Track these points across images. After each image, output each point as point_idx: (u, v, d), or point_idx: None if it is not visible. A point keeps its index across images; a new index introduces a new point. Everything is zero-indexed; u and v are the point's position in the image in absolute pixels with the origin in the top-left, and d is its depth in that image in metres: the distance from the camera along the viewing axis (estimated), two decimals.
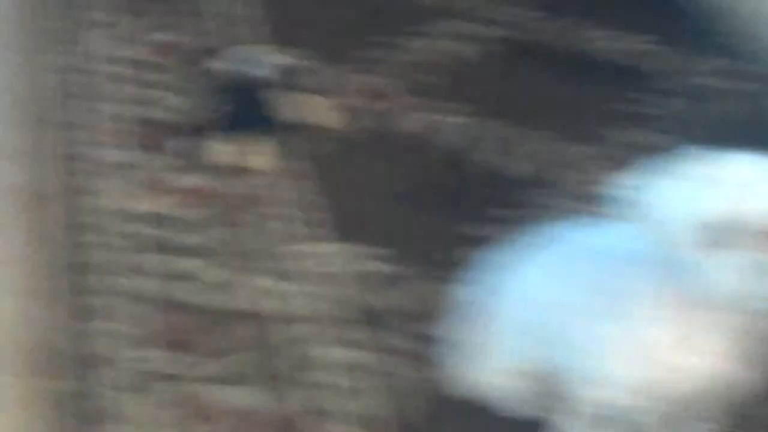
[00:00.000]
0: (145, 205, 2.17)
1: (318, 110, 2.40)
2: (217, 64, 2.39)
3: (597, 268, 1.54)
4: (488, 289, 1.71)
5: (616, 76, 2.60)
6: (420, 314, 1.91)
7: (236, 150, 2.27)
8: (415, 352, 1.84)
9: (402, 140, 2.39)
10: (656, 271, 1.46)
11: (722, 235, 1.33)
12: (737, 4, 2.72)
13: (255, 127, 2.29)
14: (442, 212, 2.18)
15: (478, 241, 1.99)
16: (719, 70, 2.59)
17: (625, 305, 1.49)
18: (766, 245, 1.33)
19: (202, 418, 1.73)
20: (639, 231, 1.42)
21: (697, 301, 1.42)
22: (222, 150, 2.28)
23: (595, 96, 2.52)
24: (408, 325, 1.90)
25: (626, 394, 1.54)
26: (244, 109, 2.31)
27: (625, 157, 2.27)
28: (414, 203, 2.21)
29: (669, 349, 1.47)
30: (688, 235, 1.36)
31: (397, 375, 1.81)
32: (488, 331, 1.70)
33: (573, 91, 2.54)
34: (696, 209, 1.35)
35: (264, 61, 2.37)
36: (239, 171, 2.26)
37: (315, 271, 2.02)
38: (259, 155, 2.27)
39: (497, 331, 1.68)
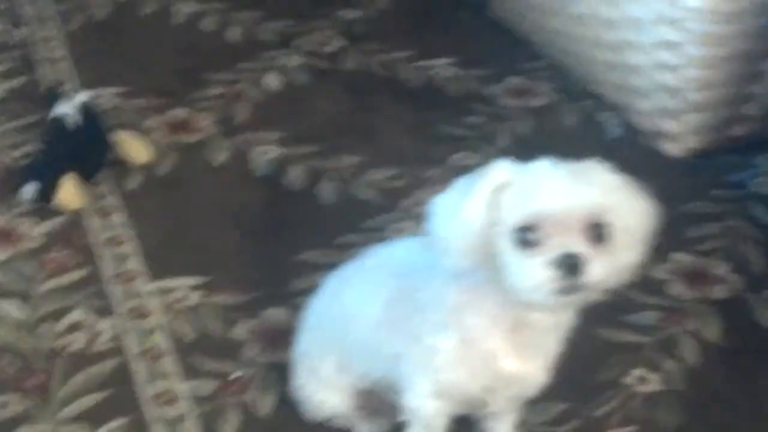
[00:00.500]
0: None
1: (129, 146, 2.37)
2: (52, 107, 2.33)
3: (401, 282, 1.57)
4: (312, 311, 1.75)
5: (421, 98, 2.67)
6: (266, 339, 1.93)
7: (47, 190, 2.22)
8: (261, 376, 1.86)
9: (215, 171, 2.40)
10: (456, 280, 1.49)
11: (530, 235, 1.37)
12: (532, 25, 2.84)
13: (65, 167, 2.25)
14: (265, 240, 2.20)
15: (309, 267, 2.02)
16: (515, 90, 2.70)
17: (429, 317, 1.52)
18: (572, 238, 1.37)
19: None
20: (432, 244, 1.44)
21: (510, 306, 1.46)
22: (31, 191, 2.23)
23: (404, 119, 2.59)
24: (246, 351, 1.91)
25: (453, 402, 1.59)
26: (54, 149, 2.27)
27: (441, 177, 2.36)
28: (233, 232, 2.22)
29: (496, 356, 1.50)
30: (478, 244, 1.39)
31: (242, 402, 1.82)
32: (313, 350, 1.73)
33: (382, 115, 2.61)
34: (502, 215, 1.38)
35: (74, 100, 2.33)
36: (50, 210, 2.22)
37: (141, 305, 2.01)
38: (70, 193, 2.23)
39: (320, 350, 1.71)
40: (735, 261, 2.16)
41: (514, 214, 1.37)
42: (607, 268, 1.39)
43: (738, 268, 2.15)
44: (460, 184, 1.44)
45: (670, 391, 1.87)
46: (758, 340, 1.99)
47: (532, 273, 1.37)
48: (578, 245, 1.36)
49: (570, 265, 1.36)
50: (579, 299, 1.41)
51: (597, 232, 1.38)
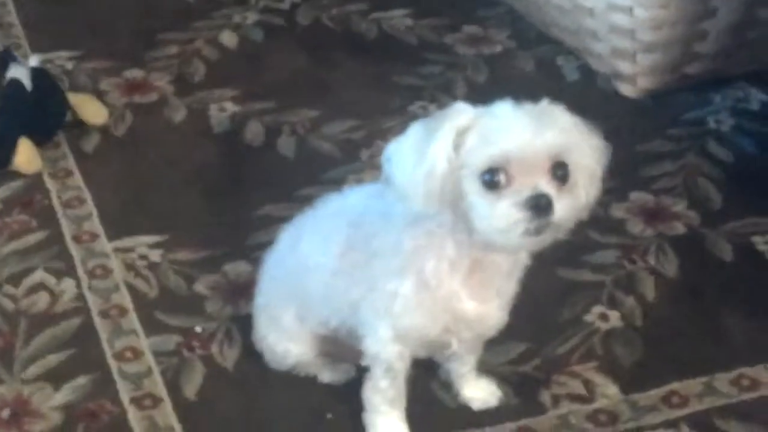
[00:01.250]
0: None
1: (85, 108, 2.36)
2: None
3: (356, 230, 1.57)
4: (270, 263, 1.75)
5: (377, 50, 2.67)
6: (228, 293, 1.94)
7: (4, 154, 2.21)
8: (224, 330, 1.87)
9: (173, 131, 2.40)
10: (412, 225, 1.49)
11: (497, 177, 1.37)
12: None
13: (21, 130, 2.24)
14: (225, 196, 2.20)
15: (269, 221, 2.02)
16: (472, 38, 2.70)
17: (386, 263, 1.52)
18: (537, 178, 1.38)
19: (31, 416, 1.71)
20: (390, 190, 1.44)
21: (469, 248, 1.48)
22: None
23: (361, 71, 2.59)
24: (209, 306, 1.92)
25: (413, 346, 1.60)
26: (9, 114, 2.26)
27: (399, 127, 2.36)
28: (192, 190, 2.21)
29: (455, 298, 1.51)
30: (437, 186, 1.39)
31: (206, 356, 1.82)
32: (272, 301, 1.74)
33: (338, 68, 2.60)
34: (467, 158, 1.38)
35: (26, 64, 2.32)
36: (8, 174, 2.21)
37: (102, 264, 2.01)
38: (27, 156, 2.22)
39: (279, 301, 1.71)
40: (692, 198, 2.18)
41: (479, 157, 1.38)
42: (571, 207, 1.41)
43: (695, 205, 2.17)
44: (418, 129, 1.43)
45: (630, 328, 1.89)
46: (715, 274, 2.01)
47: (502, 215, 1.37)
48: (545, 185, 1.38)
49: (539, 206, 1.37)
50: (547, 239, 1.42)
51: (560, 172, 1.40)
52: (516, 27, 2.73)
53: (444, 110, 1.44)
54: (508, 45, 2.68)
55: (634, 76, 2.45)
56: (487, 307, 1.54)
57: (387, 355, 1.58)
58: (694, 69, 2.47)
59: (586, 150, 1.43)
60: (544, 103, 1.43)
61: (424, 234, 1.49)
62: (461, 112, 1.41)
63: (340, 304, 1.61)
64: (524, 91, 1.46)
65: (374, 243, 1.54)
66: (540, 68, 2.60)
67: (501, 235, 1.39)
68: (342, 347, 1.71)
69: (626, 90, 2.48)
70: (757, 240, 2.07)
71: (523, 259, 1.53)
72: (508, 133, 1.38)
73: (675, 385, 1.77)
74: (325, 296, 1.63)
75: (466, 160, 1.38)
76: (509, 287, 1.55)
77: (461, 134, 1.39)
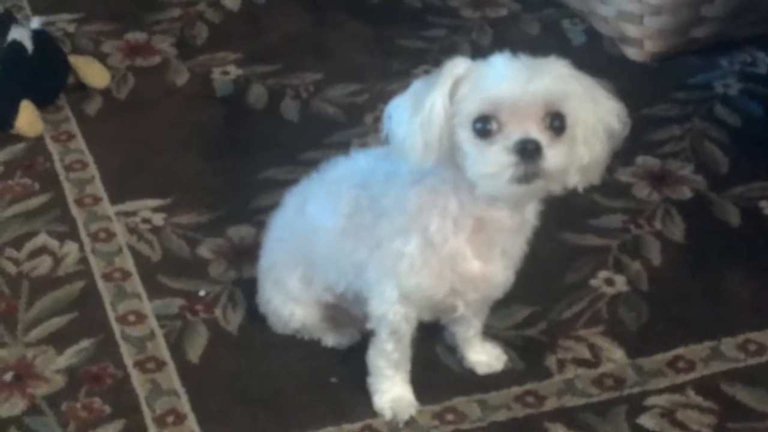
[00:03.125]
0: None
1: (87, 71, 2.34)
2: None
3: (362, 191, 1.56)
4: (275, 226, 1.74)
5: (380, 13, 2.64)
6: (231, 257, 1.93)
7: (5, 117, 2.19)
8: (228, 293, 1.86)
9: (175, 94, 2.38)
10: (415, 183, 1.49)
11: (488, 125, 1.37)
12: None
13: (23, 93, 2.22)
14: (228, 159, 2.18)
15: (273, 184, 2.01)
16: (476, 1, 2.67)
17: (391, 222, 1.52)
18: (529, 126, 1.37)
19: (34, 379, 1.70)
20: (392, 147, 1.45)
21: (472, 204, 1.47)
22: None
23: (363, 34, 2.57)
24: (212, 269, 1.91)
25: (419, 307, 1.59)
26: (10, 76, 2.24)
27: (402, 90, 2.34)
28: (195, 154, 2.20)
29: (460, 257, 1.51)
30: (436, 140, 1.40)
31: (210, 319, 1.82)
32: (278, 264, 1.72)
33: (341, 31, 2.58)
34: (461, 106, 1.38)
35: (27, 26, 2.30)
36: (10, 137, 2.20)
37: (105, 228, 2.00)
38: (29, 120, 2.20)
39: (285, 264, 1.71)
40: (699, 162, 2.17)
41: (471, 104, 1.38)
42: (564, 157, 1.39)
43: (702, 169, 2.15)
44: (417, 84, 1.45)
45: (636, 291, 1.88)
46: (721, 238, 2.00)
47: (491, 160, 1.37)
48: (535, 132, 1.37)
49: (528, 150, 1.37)
50: (538, 188, 1.41)
51: (554, 122, 1.39)
52: None
53: (446, 66, 1.43)
54: (514, 8, 2.65)
55: (641, 39, 2.42)
56: (492, 266, 1.53)
57: (393, 316, 1.58)
58: (701, 32, 2.44)
59: (588, 104, 1.42)
60: (548, 58, 1.42)
61: (428, 191, 1.49)
62: (458, 63, 1.42)
63: (346, 266, 1.60)
64: (529, 54, 1.45)
65: (382, 202, 1.54)
66: (545, 31, 2.57)
67: (490, 181, 1.39)
68: (346, 315, 1.70)
69: (633, 53, 2.45)
70: (764, 204, 2.06)
71: (531, 218, 1.52)
72: (500, 80, 1.38)
73: (681, 350, 1.76)
74: (332, 258, 1.62)
75: (458, 108, 1.39)
76: (516, 247, 1.54)
77: (457, 83, 1.40)
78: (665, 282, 1.91)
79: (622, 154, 2.10)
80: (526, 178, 1.37)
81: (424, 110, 1.40)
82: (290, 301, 1.71)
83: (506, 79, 1.37)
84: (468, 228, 1.49)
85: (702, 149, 2.20)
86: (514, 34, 2.57)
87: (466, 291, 1.54)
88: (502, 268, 1.54)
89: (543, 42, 2.52)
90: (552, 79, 1.38)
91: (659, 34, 2.41)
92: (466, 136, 1.39)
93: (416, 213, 1.50)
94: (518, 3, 2.66)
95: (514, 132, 1.37)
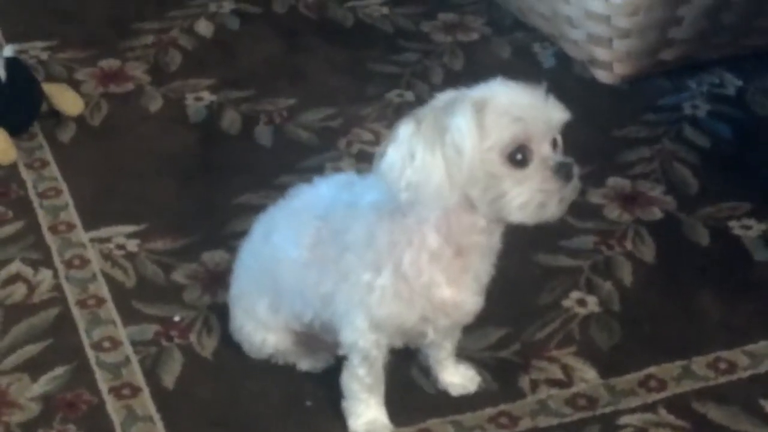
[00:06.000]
0: None
1: (60, 98, 2.35)
2: None
3: (326, 223, 1.56)
4: (244, 254, 1.75)
5: (353, 38, 2.66)
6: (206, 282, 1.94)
7: None
8: (202, 319, 1.87)
9: (149, 120, 2.39)
10: (389, 219, 1.49)
11: (521, 153, 1.38)
12: None
13: None
14: (202, 185, 2.19)
15: (247, 210, 2.02)
16: (448, 25, 2.70)
17: (360, 256, 1.52)
18: (549, 150, 1.40)
19: (8, 407, 1.70)
20: (397, 194, 1.42)
21: (461, 234, 1.48)
22: None
23: (337, 59, 2.58)
24: (187, 295, 1.92)
25: (390, 335, 1.59)
26: None
27: (376, 115, 2.37)
28: (170, 180, 2.20)
29: (433, 286, 1.52)
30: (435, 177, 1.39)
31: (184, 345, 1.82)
32: (247, 292, 1.73)
33: (314, 56, 2.60)
34: (491, 137, 1.38)
35: (0, 53, 2.31)
36: None
37: (79, 254, 2.00)
38: (2, 147, 2.21)
39: (253, 292, 1.71)
40: (669, 183, 2.19)
41: (504, 133, 1.38)
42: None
43: (672, 190, 2.17)
44: (415, 125, 1.40)
45: (607, 312, 1.89)
46: (691, 258, 2.02)
47: (536, 188, 1.39)
48: (557, 155, 1.41)
49: (567, 173, 1.40)
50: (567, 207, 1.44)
51: (555, 144, 1.43)
52: (492, 14, 2.73)
53: (438, 100, 1.43)
54: (485, 32, 2.68)
55: (610, 62, 2.45)
56: (464, 292, 1.54)
57: (364, 343, 1.58)
58: (669, 55, 2.47)
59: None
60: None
61: (401, 230, 1.49)
62: (472, 95, 1.40)
63: (312, 297, 1.61)
64: (500, 77, 1.47)
65: (345, 237, 1.53)
66: (516, 55, 2.60)
67: (534, 210, 1.40)
68: (318, 340, 1.71)
69: (602, 76, 2.48)
70: (733, 224, 2.08)
71: (498, 241, 1.53)
72: (530, 107, 1.39)
73: (652, 369, 1.78)
74: (297, 288, 1.62)
75: (490, 140, 1.38)
76: (486, 271, 1.55)
77: (480, 115, 1.38)
78: (636, 302, 1.92)
79: (593, 176, 2.15)
80: (566, 200, 1.41)
81: (447, 143, 1.38)
82: (261, 328, 1.71)
83: (536, 106, 1.39)
84: (447, 257, 1.50)
85: (672, 170, 2.23)
86: (486, 57, 2.59)
87: (437, 318, 1.55)
88: (473, 293, 1.55)
89: (514, 65, 2.54)
90: (558, 104, 1.42)
91: (628, 57, 2.44)
92: (497, 168, 1.39)
93: (387, 249, 1.50)
94: (489, 27, 2.69)
95: (544, 157, 1.39)
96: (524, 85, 1.43)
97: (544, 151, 1.40)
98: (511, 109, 1.39)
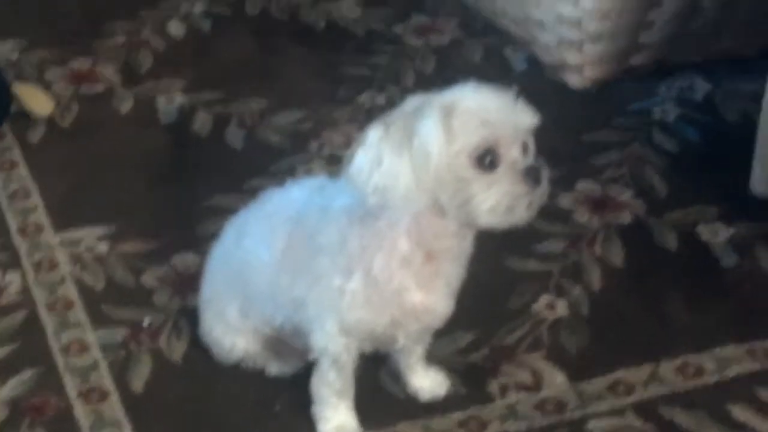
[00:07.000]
0: None
1: (30, 98, 2.34)
2: None
3: (297, 227, 1.56)
4: (214, 258, 1.75)
5: (325, 40, 2.66)
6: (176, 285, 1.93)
7: None
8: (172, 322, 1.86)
9: (120, 121, 2.38)
10: (360, 224, 1.49)
11: (490, 156, 1.39)
12: None
13: None
14: (173, 187, 2.18)
15: (218, 212, 2.01)
16: (420, 28, 2.70)
17: (331, 260, 1.52)
18: (518, 153, 1.40)
19: None
20: (365, 197, 1.42)
21: (432, 238, 1.48)
22: None
23: (309, 61, 2.58)
24: (157, 298, 1.92)
25: (360, 339, 1.59)
26: None
27: (348, 117, 2.37)
28: (140, 181, 2.20)
29: (404, 291, 1.52)
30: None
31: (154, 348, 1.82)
32: (217, 296, 1.73)
33: (286, 58, 2.60)
34: (459, 141, 1.38)
35: None
36: None
37: (49, 257, 1.99)
38: None
39: (224, 296, 1.71)
40: (638, 187, 2.20)
41: (472, 137, 1.38)
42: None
43: (641, 194, 2.18)
44: (384, 129, 1.40)
45: (577, 316, 1.90)
46: (660, 262, 2.03)
47: (504, 191, 1.39)
48: (527, 158, 1.41)
49: (536, 177, 1.41)
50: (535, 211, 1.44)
51: (525, 148, 1.43)
52: (464, 17, 2.74)
53: (408, 104, 1.43)
54: (456, 35, 2.68)
55: (581, 66, 2.46)
56: (434, 296, 1.54)
57: (334, 348, 1.58)
58: (639, 59, 2.48)
59: None
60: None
61: (372, 234, 1.49)
62: (440, 99, 1.40)
63: (284, 301, 1.61)
64: (472, 80, 1.47)
65: (317, 240, 1.53)
66: (488, 58, 2.60)
67: (502, 214, 1.41)
68: (287, 345, 1.71)
69: (573, 80, 2.49)
70: (702, 229, 2.09)
71: (469, 246, 1.54)
72: (499, 111, 1.40)
73: (621, 373, 1.79)
74: (269, 292, 1.62)
75: (456, 142, 1.38)
76: (457, 275, 1.56)
77: (447, 116, 1.38)
78: (605, 306, 1.93)
79: (563, 180, 2.16)
80: (535, 203, 1.41)
81: (415, 148, 1.38)
82: (231, 331, 1.71)
83: (504, 110, 1.40)
84: (417, 262, 1.50)
85: (641, 174, 2.24)
86: (457, 61, 2.59)
87: (408, 323, 1.56)
88: (444, 297, 1.55)
89: (485, 69, 2.55)
90: (528, 109, 1.42)
91: (599, 61, 2.45)
92: (465, 171, 1.39)
93: (359, 253, 1.50)
94: (461, 30, 2.69)
95: (513, 161, 1.39)
96: (494, 89, 1.43)
97: (512, 154, 1.41)
98: (480, 113, 1.39)
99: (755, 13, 2.48)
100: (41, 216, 2.09)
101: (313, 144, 2.30)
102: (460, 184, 1.40)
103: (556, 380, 1.78)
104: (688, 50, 2.52)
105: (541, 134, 1.47)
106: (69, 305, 1.89)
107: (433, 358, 1.76)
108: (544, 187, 1.43)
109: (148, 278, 1.95)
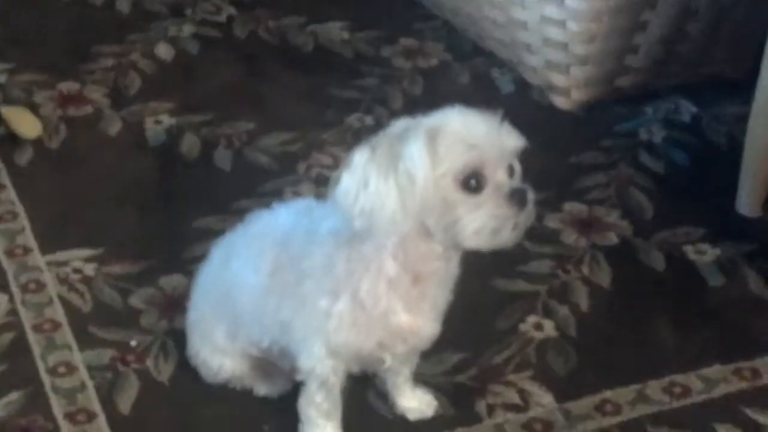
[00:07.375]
0: None
1: (18, 121, 2.34)
2: None
3: (284, 250, 1.56)
4: (201, 279, 1.74)
5: (313, 63, 2.68)
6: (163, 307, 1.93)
7: None
8: (159, 343, 1.86)
9: (108, 144, 2.38)
10: (347, 247, 1.49)
11: (475, 179, 1.39)
12: None
13: None
14: (161, 209, 2.18)
15: (206, 234, 2.01)
16: (408, 50, 2.72)
17: (318, 283, 1.52)
18: (504, 176, 1.41)
19: None
20: (350, 220, 1.42)
21: (420, 261, 1.48)
22: None
23: (297, 84, 2.59)
24: (144, 319, 1.91)
25: (347, 361, 1.59)
26: None
27: (335, 139, 2.37)
28: (128, 204, 2.20)
29: (391, 313, 1.52)
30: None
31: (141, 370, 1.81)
32: (204, 318, 1.72)
33: (274, 80, 2.61)
34: (445, 164, 1.38)
35: None
36: None
37: (36, 279, 1.99)
38: None
39: (211, 318, 1.70)
40: (625, 208, 2.22)
41: (458, 160, 1.38)
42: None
43: (628, 215, 2.20)
44: (367, 154, 1.40)
45: (564, 336, 1.91)
46: (647, 283, 2.04)
47: (491, 214, 1.40)
48: (513, 181, 1.42)
49: (521, 199, 1.41)
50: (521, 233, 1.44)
51: (512, 172, 1.44)
52: (451, 40, 2.76)
53: (394, 127, 1.43)
54: (444, 58, 2.70)
55: (568, 88, 2.48)
56: (420, 319, 1.54)
57: (321, 370, 1.58)
58: (626, 82, 2.50)
59: None
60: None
61: (359, 257, 1.49)
62: (427, 123, 1.41)
63: (271, 323, 1.60)
64: (460, 103, 1.48)
65: (304, 263, 1.53)
66: (475, 81, 2.62)
67: (489, 236, 1.41)
68: (274, 366, 1.71)
69: (560, 102, 2.51)
70: (688, 249, 2.11)
71: (455, 267, 1.54)
72: (485, 134, 1.40)
73: (608, 393, 1.79)
74: (256, 315, 1.62)
75: (442, 165, 1.38)
76: (443, 297, 1.56)
77: (432, 139, 1.38)
78: (592, 326, 1.94)
79: (550, 201, 2.17)
80: (521, 225, 1.41)
81: (401, 171, 1.38)
82: (218, 353, 1.70)
83: (490, 132, 1.40)
84: (404, 284, 1.50)
85: (628, 196, 2.25)
86: (445, 83, 2.61)
87: (395, 344, 1.55)
88: (430, 319, 1.55)
89: (473, 91, 2.56)
90: (513, 132, 1.43)
91: (585, 84, 2.47)
92: (452, 194, 1.39)
93: (345, 276, 1.50)
94: (448, 53, 2.71)
95: (498, 183, 1.40)
96: (480, 112, 1.44)
97: (498, 177, 1.41)
98: (465, 136, 1.40)
99: (740, 37, 2.50)
100: (28, 238, 2.08)
101: (301, 166, 2.31)
102: (446, 207, 1.41)
103: (543, 400, 1.78)
104: (674, 73, 2.54)
105: (528, 156, 1.47)
106: (56, 327, 1.88)
107: (421, 378, 1.77)
108: (530, 210, 1.43)
109: (136, 300, 1.95)
